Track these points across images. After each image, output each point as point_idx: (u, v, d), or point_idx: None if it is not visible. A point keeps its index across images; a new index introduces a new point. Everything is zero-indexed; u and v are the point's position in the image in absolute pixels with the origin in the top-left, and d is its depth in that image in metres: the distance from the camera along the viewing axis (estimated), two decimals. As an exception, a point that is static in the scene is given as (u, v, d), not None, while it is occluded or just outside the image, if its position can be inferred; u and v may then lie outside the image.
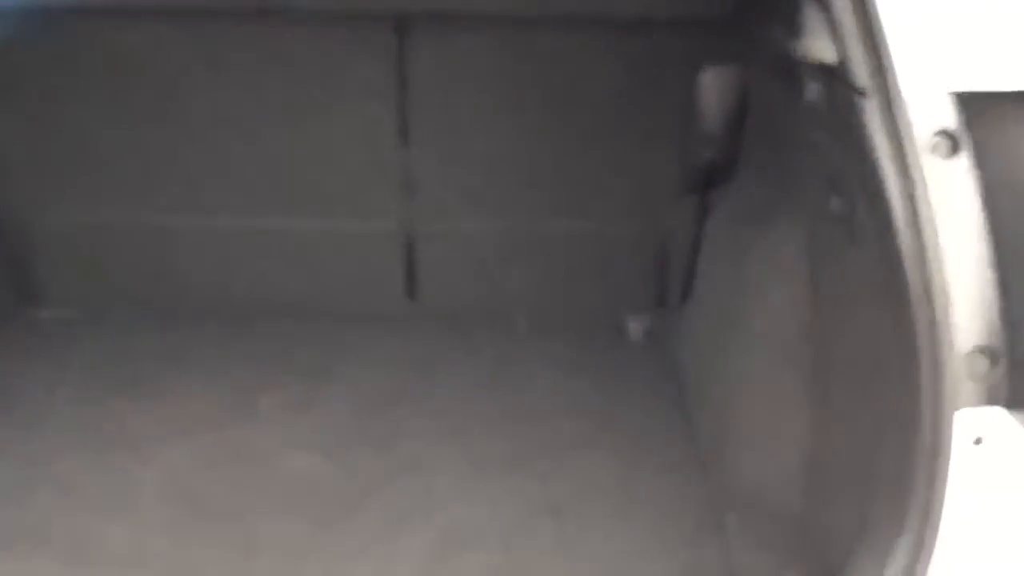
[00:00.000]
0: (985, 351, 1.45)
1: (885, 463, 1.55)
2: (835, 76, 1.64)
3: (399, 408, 2.34)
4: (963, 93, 1.53)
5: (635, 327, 2.70)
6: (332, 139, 2.54)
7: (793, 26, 1.86)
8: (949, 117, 1.49)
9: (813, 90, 1.79)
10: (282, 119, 2.52)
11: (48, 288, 2.69)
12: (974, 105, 1.51)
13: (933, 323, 1.42)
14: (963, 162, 1.47)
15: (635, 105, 2.56)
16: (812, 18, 1.78)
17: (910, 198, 1.45)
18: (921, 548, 1.45)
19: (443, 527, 1.97)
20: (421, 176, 2.62)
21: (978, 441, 1.49)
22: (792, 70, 1.90)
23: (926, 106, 1.49)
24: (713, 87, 2.41)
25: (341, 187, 2.62)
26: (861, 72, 1.53)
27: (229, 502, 2.02)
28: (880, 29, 1.48)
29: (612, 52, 2.46)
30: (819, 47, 1.72)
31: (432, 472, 2.12)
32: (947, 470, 1.45)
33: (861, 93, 1.53)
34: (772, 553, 1.85)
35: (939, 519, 1.45)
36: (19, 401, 2.32)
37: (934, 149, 1.50)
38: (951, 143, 1.50)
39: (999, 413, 1.49)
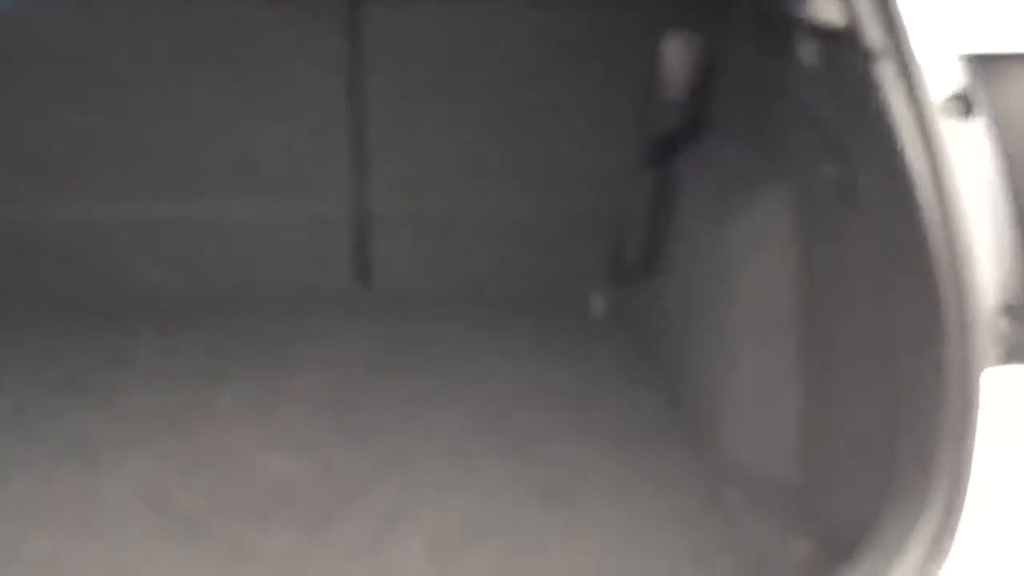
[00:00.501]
0: (1008, 310, 1.46)
1: (905, 429, 1.54)
2: (840, 39, 1.62)
3: (369, 401, 2.24)
4: (973, 55, 1.54)
5: (597, 303, 2.66)
6: (280, 116, 2.41)
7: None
8: (960, 79, 1.49)
9: (809, 53, 1.77)
10: (224, 96, 2.38)
11: None
12: (984, 67, 1.52)
13: (959, 284, 1.41)
14: (977, 124, 1.47)
15: (591, 78, 2.51)
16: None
17: (931, 161, 1.44)
18: (951, 509, 1.45)
19: (438, 524, 1.88)
20: (374, 155, 2.52)
21: (1001, 399, 1.51)
22: (780, 33, 1.87)
23: (937, 69, 1.49)
24: (676, 55, 2.38)
25: (289, 167, 2.49)
26: (873, 35, 1.50)
27: (207, 511, 1.88)
28: None
29: (569, 24, 2.40)
30: (821, 9, 1.69)
31: (417, 467, 2.03)
32: (975, 430, 1.45)
33: (872, 56, 1.51)
34: (777, 527, 1.83)
35: (968, 480, 1.45)
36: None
37: (947, 111, 1.50)
38: (964, 105, 1.50)
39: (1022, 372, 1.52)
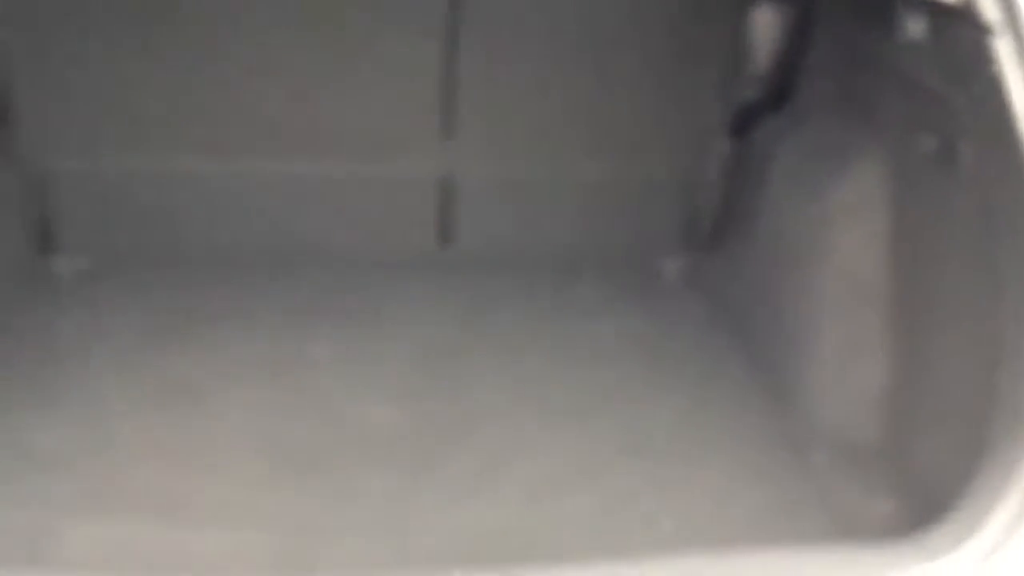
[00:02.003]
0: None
1: (1003, 394, 1.59)
2: (952, 14, 1.65)
3: (457, 356, 2.30)
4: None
5: (670, 266, 2.71)
6: (374, 79, 2.45)
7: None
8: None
9: (915, 27, 1.80)
10: (321, 58, 2.42)
11: (63, 237, 2.56)
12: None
13: None
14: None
15: (675, 45, 2.53)
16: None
17: None
18: None
19: (532, 473, 1.94)
20: (460, 119, 2.56)
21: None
22: (880, 5, 1.90)
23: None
24: (765, 26, 2.40)
25: (379, 128, 2.53)
26: (990, 11, 1.54)
27: (314, 454, 1.95)
28: None
29: None
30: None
31: (508, 419, 2.09)
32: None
33: (989, 31, 1.54)
34: (863, 487, 1.89)
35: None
36: (61, 358, 2.20)
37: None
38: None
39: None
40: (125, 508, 1.80)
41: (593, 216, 2.71)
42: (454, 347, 2.32)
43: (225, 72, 2.43)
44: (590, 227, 2.72)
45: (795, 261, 2.15)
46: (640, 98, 2.59)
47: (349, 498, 1.85)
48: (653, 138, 2.65)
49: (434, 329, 2.38)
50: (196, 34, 2.38)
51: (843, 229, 2.03)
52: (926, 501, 1.73)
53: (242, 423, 2.03)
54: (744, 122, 2.58)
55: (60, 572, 1.64)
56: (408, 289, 2.54)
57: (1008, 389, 1.56)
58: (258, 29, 2.37)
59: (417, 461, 1.96)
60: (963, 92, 1.64)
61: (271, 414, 2.06)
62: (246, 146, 2.52)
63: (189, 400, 2.08)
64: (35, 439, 1.96)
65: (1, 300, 2.30)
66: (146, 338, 2.28)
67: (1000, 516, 1.45)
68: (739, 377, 2.24)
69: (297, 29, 2.39)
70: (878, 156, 1.98)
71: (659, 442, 2.05)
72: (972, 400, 1.64)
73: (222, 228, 2.58)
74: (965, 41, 1.59)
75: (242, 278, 2.53)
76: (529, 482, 1.92)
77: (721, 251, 2.67)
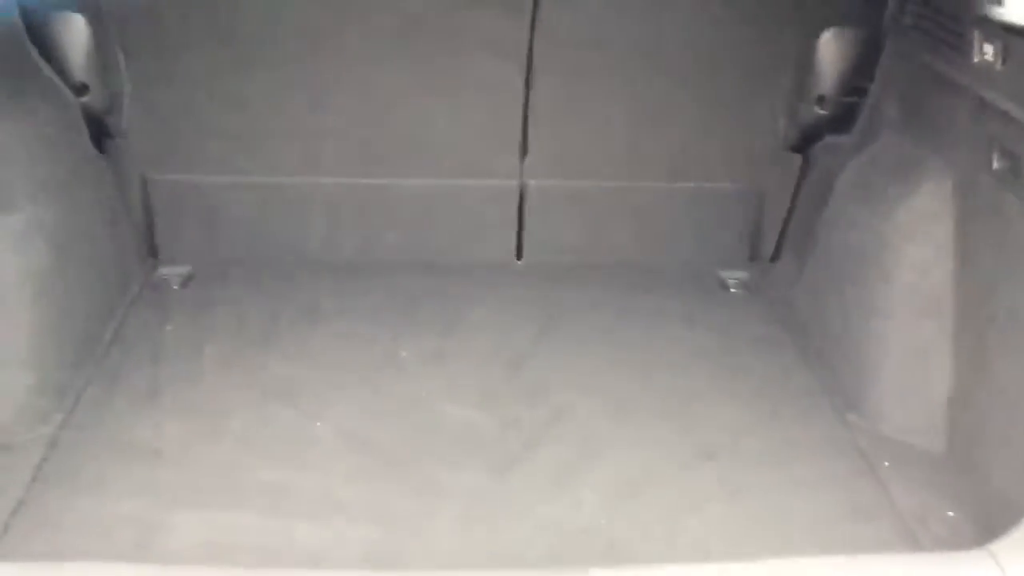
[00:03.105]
0: None
1: None
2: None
3: (535, 361, 2.32)
4: None
5: (735, 279, 2.70)
6: (457, 97, 2.50)
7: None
8: None
9: (989, 49, 1.78)
10: (409, 80, 2.47)
11: (167, 245, 2.64)
12: None
13: None
14: None
15: (744, 65, 2.54)
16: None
17: None
18: None
19: (611, 473, 1.96)
20: (536, 136, 2.59)
21: None
22: (952, 31, 1.89)
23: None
24: (834, 48, 2.40)
25: (461, 145, 2.58)
26: None
27: (404, 452, 1.99)
28: None
29: (733, 13, 2.43)
30: (1008, 11, 1.71)
31: (585, 423, 2.11)
32: None
33: None
34: (930, 496, 1.88)
35: None
36: (170, 358, 2.27)
37: None
38: None
39: None
40: (228, 501, 1.85)
41: (659, 229, 2.73)
42: (530, 353, 2.35)
43: (319, 93, 2.50)
44: (657, 240, 2.74)
45: (862, 274, 2.14)
46: (707, 115, 2.61)
47: (438, 495, 1.89)
48: (719, 153, 2.66)
49: (511, 336, 2.41)
50: (293, 58, 2.45)
51: (910, 243, 2.03)
52: (992, 511, 1.71)
53: (337, 422, 2.07)
54: (809, 140, 2.59)
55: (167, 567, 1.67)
56: (486, 296, 2.58)
57: None
58: (351, 53, 2.44)
59: (501, 461, 1.99)
60: None
61: (364, 414, 2.11)
62: (338, 161, 2.59)
63: (287, 400, 2.14)
64: (144, 435, 2.03)
65: (112, 304, 2.37)
66: (246, 341, 2.34)
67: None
68: (806, 386, 2.24)
69: (388, 53, 2.45)
70: (946, 174, 1.97)
71: (730, 448, 2.05)
72: None
73: (315, 238, 2.65)
74: None
75: (332, 284, 2.59)
76: (607, 484, 1.94)
77: (784, 263, 2.66)
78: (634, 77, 2.54)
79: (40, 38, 2.24)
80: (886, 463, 1.98)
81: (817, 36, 2.41)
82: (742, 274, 2.70)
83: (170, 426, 2.05)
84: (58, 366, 2.08)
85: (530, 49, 2.42)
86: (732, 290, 2.68)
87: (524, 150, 2.60)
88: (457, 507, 1.86)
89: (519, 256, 2.73)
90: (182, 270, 2.59)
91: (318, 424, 2.07)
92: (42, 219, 2.04)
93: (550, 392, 2.21)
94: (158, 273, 2.59)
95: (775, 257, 2.75)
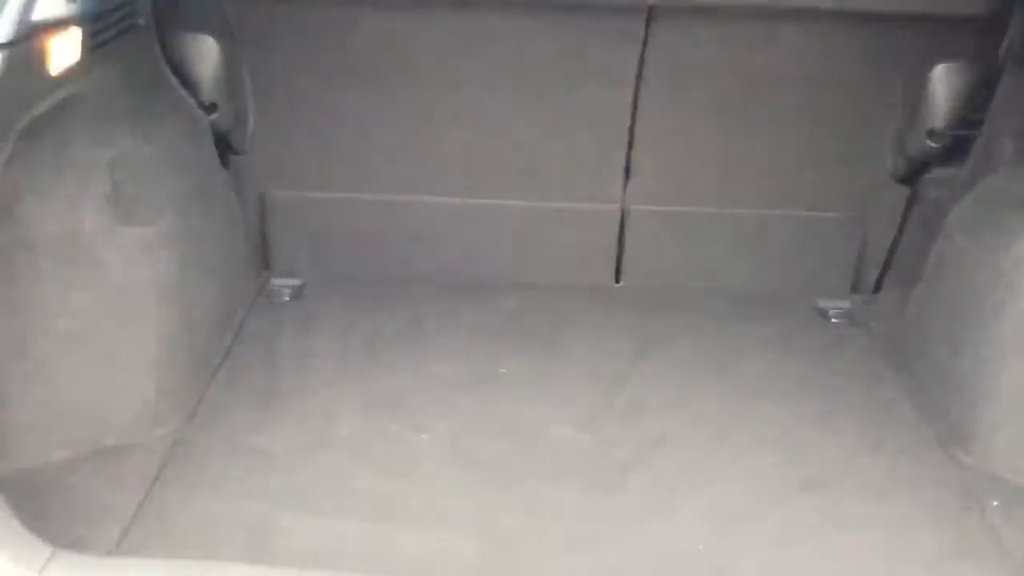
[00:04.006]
0: None
1: None
2: None
3: (633, 384, 2.30)
4: None
5: (836, 309, 2.63)
6: (564, 122, 2.50)
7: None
8: None
9: None
10: (518, 105, 2.48)
11: (280, 258, 2.69)
12: None
13: None
14: None
15: (853, 96, 2.49)
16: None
17: None
18: None
19: (712, 501, 1.93)
20: (640, 160, 2.58)
21: None
22: None
23: None
24: (948, 82, 2.34)
25: (566, 170, 2.58)
26: None
27: (507, 468, 1.99)
28: None
29: (844, 45, 2.38)
30: None
31: (685, 448, 2.08)
32: None
33: None
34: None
35: None
36: (283, 367, 2.31)
37: None
38: None
39: None
40: (337, 507, 1.87)
41: (760, 256, 2.69)
42: (628, 375, 2.33)
43: (431, 116, 2.53)
44: (757, 267, 2.70)
45: (973, 308, 2.07)
46: (813, 144, 2.56)
47: (540, 512, 1.88)
48: (824, 182, 2.61)
49: (609, 357, 2.39)
50: (407, 82, 2.48)
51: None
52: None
53: (441, 435, 2.08)
54: (917, 172, 2.52)
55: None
56: (585, 318, 2.57)
57: None
58: (464, 77, 2.46)
59: (602, 482, 1.98)
60: None
61: (466, 428, 2.11)
62: (445, 181, 2.61)
63: (392, 411, 2.16)
64: (257, 440, 2.07)
65: (229, 314, 2.43)
66: (354, 353, 2.37)
67: None
68: (909, 419, 2.17)
69: (498, 78, 2.46)
70: None
71: (834, 480, 2.00)
72: None
73: (420, 255, 2.67)
74: None
75: (435, 301, 2.61)
76: (707, 510, 1.91)
77: (887, 294, 2.59)
78: (740, 105, 2.50)
79: (174, 58, 2.31)
80: (995, 503, 1.90)
81: (930, 69, 2.35)
82: (843, 304, 2.63)
83: (282, 432, 2.08)
84: (179, 372, 2.13)
85: (639, 77, 2.41)
86: (833, 320, 2.61)
87: (627, 175, 2.59)
88: (560, 526, 1.85)
89: (617, 279, 2.71)
90: (293, 282, 2.64)
91: (422, 436, 2.08)
92: (170, 231, 2.10)
93: (648, 415, 2.19)
94: (271, 285, 2.64)
95: (878, 288, 2.67)
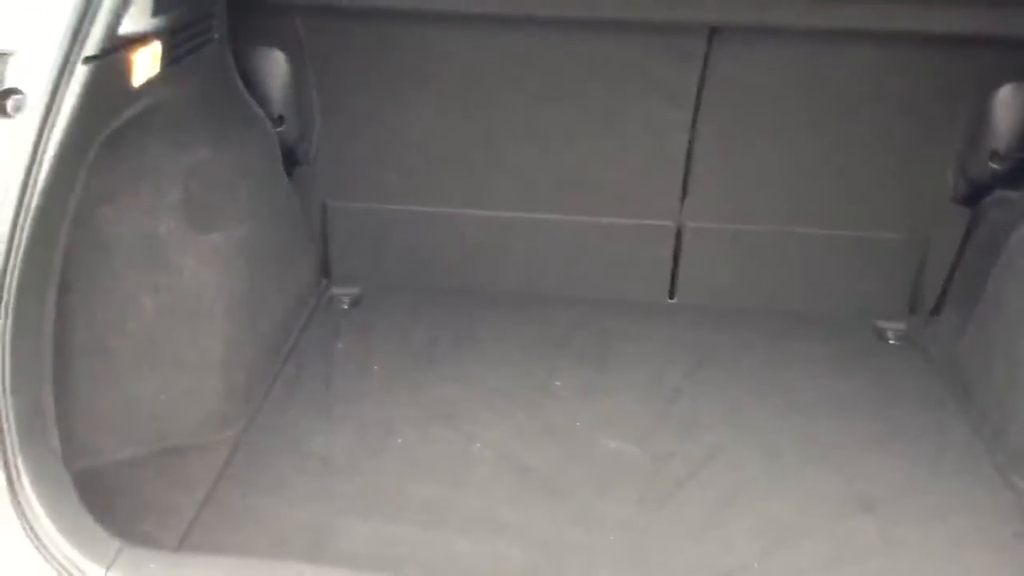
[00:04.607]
0: None
1: None
2: None
3: (685, 398, 2.30)
4: None
5: (894, 329, 2.60)
6: (623, 139, 2.51)
7: None
8: None
9: None
10: (578, 121, 2.50)
11: (340, 267, 2.74)
12: None
13: None
14: None
15: (914, 117, 2.46)
16: None
17: None
18: None
19: (765, 518, 1.92)
20: (696, 179, 2.58)
21: None
22: None
23: None
24: (1011, 104, 2.31)
25: (624, 186, 2.59)
26: None
27: (560, 478, 2.01)
28: None
29: (907, 66, 2.36)
30: None
31: (737, 464, 2.07)
32: None
33: None
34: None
35: None
36: (341, 374, 2.35)
37: None
38: None
39: None
40: (393, 512, 1.91)
41: (817, 275, 2.67)
42: (682, 390, 2.33)
43: (491, 130, 2.55)
44: (813, 286, 2.67)
45: (1034, 333, 2.04)
46: (873, 164, 2.54)
47: (590, 523, 1.89)
48: (883, 203, 2.58)
49: (662, 372, 2.40)
50: (467, 96, 2.51)
51: None
52: None
53: (495, 445, 2.10)
54: (979, 193, 2.48)
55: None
56: (639, 332, 2.57)
57: None
58: (524, 93, 2.48)
59: (652, 495, 1.98)
60: None
61: (520, 439, 2.13)
62: (503, 195, 2.63)
63: (447, 420, 2.18)
64: (317, 443, 2.11)
65: (292, 320, 2.48)
66: (410, 361, 2.40)
67: None
68: (967, 443, 2.14)
69: (559, 94, 2.48)
70: None
71: (887, 500, 1.98)
72: None
73: (476, 266, 2.69)
74: None
75: (493, 312, 2.63)
76: (760, 527, 1.90)
77: (947, 317, 2.56)
78: (799, 125, 2.49)
79: (246, 72, 2.38)
80: (1053, 529, 1.87)
81: (994, 91, 2.32)
82: (901, 326, 2.60)
83: (340, 437, 2.12)
84: (245, 375, 2.19)
85: (699, 95, 2.42)
86: (891, 341, 2.57)
87: (684, 192, 2.59)
88: (612, 538, 1.86)
89: (671, 295, 2.71)
90: (352, 291, 2.69)
91: (476, 445, 2.10)
92: (240, 239, 2.16)
93: (701, 430, 2.18)
94: (330, 293, 2.69)
95: (937, 310, 2.64)
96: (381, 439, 2.12)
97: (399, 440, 2.11)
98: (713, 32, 2.31)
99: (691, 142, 2.50)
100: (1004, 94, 2.32)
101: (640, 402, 2.29)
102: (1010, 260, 2.20)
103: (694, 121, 2.46)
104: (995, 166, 2.37)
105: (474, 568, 1.76)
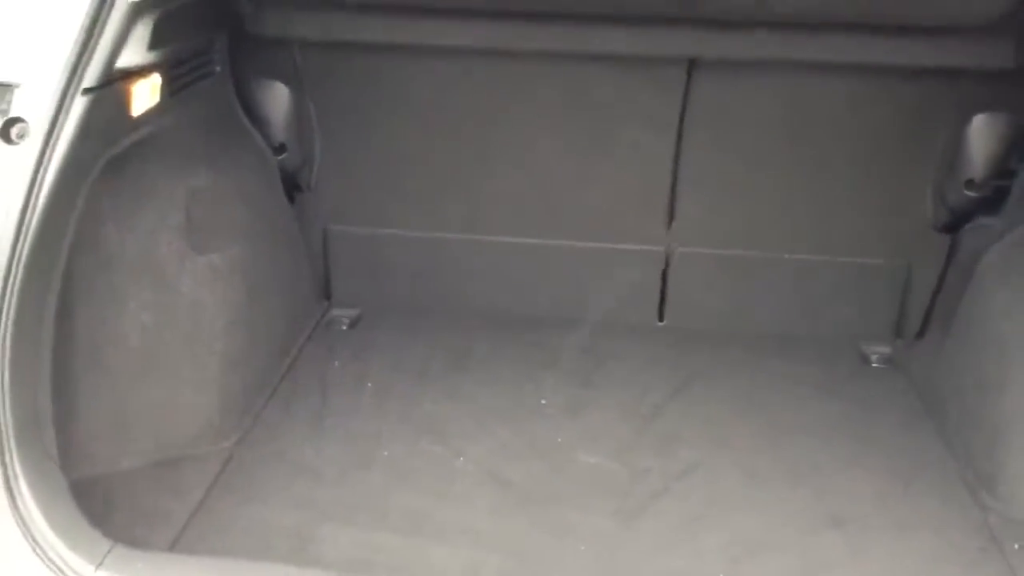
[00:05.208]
0: None
1: None
2: None
3: (667, 416, 2.36)
4: None
5: (879, 353, 2.64)
6: (610, 166, 2.59)
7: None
8: None
9: None
10: (566, 149, 2.59)
11: (340, 289, 2.83)
12: None
13: None
14: None
15: (892, 147, 2.52)
16: None
17: None
18: None
19: (736, 532, 1.97)
20: (682, 205, 2.65)
21: None
22: None
23: None
24: (985, 133, 2.37)
25: (613, 211, 2.67)
26: None
27: (538, 491, 2.07)
28: None
29: (882, 97, 2.43)
30: None
31: (713, 479, 2.13)
32: None
33: None
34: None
35: None
36: (335, 391, 2.44)
37: None
38: None
39: None
40: (374, 521, 1.98)
41: (803, 300, 2.72)
42: (664, 409, 2.39)
43: (486, 158, 2.64)
44: (799, 310, 2.72)
45: (999, 354, 2.08)
46: (855, 192, 2.60)
47: (565, 534, 1.95)
48: (867, 229, 2.64)
49: (647, 392, 2.46)
50: (463, 126, 2.60)
51: None
52: None
53: (479, 459, 2.17)
54: (959, 221, 2.53)
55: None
56: (626, 354, 2.63)
57: None
58: (517, 123, 2.57)
59: (629, 508, 2.04)
60: None
61: (503, 453, 2.20)
62: (497, 221, 2.72)
63: (435, 435, 2.26)
64: (307, 456, 2.19)
65: (290, 339, 2.58)
66: (403, 379, 2.49)
67: None
68: (940, 462, 2.18)
69: (549, 125, 2.57)
70: None
71: (859, 517, 2.02)
72: None
73: (471, 290, 2.78)
74: None
75: (484, 333, 2.70)
76: (729, 540, 1.96)
77: (927, 340, 2.60)
78: (781, 153, 2.56)
79: (248, 102, 2.49)
80: (1016, 546, 1.90)
81: (968, 121, 2.38)
82: (886, 349, 2.64)
83: (330, 450, 2.20)
84: (241, 391, 2.28)
85: (681, 124, 2.50)
86: (874, 364, 2.62)
87: (671, 217, 2.66)
88: (585, 548, 1.92)
89: (661, 318, 2.77)
90: (351, 312, 2.78)
91: (461, 459, 2.17)
92: (237, 259, 2.26)
93: (680, 447, 2.24)
94: (330, 314, 2.78)
95: (921, 335, 2.68)
96: (369, 452, 2.19)
97: (386, 453, 2.19)
98: (692, 64, 2.39)
99: (676, 169, 2.58)
100: (978, 124, 2.37)
101: (621, 419, 2.35)
102: (979, 283, 2.25)
103: (678, 149, 2.54)
104: (970, 194, 2.43)
105: (448, 574, 1.83)
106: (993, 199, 2.42)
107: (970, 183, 2.42)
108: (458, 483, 2.09)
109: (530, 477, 2.11)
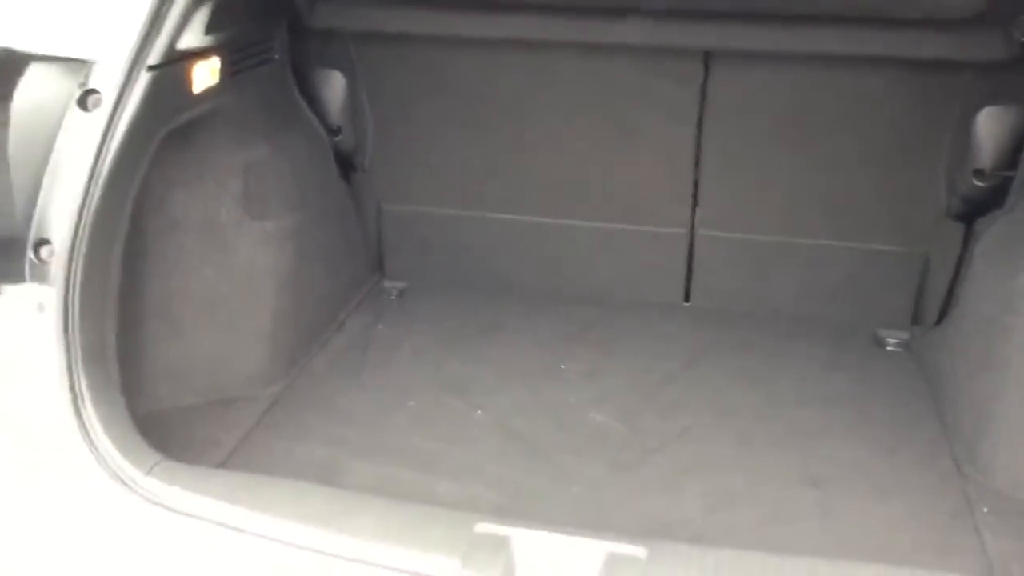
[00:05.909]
0: None
1: None
2: None
3: (676, 385, 2.52)
4: None
5: (894, 339, 2.72)
6: (636, 153, 2.76)
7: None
8: None
9: None
10: (595, 136, 2.77)
11: (391, 263, 3.08)
12: None
13: None
14: None
15: (904, 138, 2.60)
16: None
17: None
18: None
19: (717, 484, 2.13)
20: (705, 188, 2.79)
21: None
22: None
23: None
24: (993, 124, 2.45)
25: (639, 195, 2.83)
26: None
27: (544, 442, 2.27)
28: None
29: (896, 89, 2.52)
30: None
31: (705, 442, 2.29)
32: None
33: None
34: (1020, 545, 1.89)
35: None
36: (376, 349, 2.69)
37: None
38: None
39: None
40: (393, 457, 2.22)
41: (823, 285, 2.81)
42: (675, 378, 2.55)
43: (522, 143, 2.83)
44: (819, 294, 2.82)
45: (985, 335, 2.17)
46: (871, 180, 2.68)
47: (561, 478, 2.14)
48: (885, 217, 2.72)
49: (660, 364, 2.61)
50: (503, 113, 2.81)
51: None
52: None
53: (494, 413, 2.39)
54: (973, 210, 2.60)
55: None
56: (649, 330, 2.79)
57: None
58: (550, 110, 2.76)
59: (621, 461, 2.22)
60: None
61: (518, 410, 2.40)
62: (533, 202, 2.91)
63: (457, 391, 2.48)
64: (343, 402, 2.45)
65: (340, 303, 2.84)
66: (437, 342, 2.72)
67: None
68: (930, 436, 2.28)
69: (580, 113, 2.75)
70: None
71: (837, 479, 2.15)
72: None
73: (508, 265, 2.98)
74: None
75: (519, 305, 2.91)
76: (709, 491, 2.12)
77: (941, 326, 2.67)
78: (795, 142, 2.67)
79: (307, 88, 2.76)
80: (985, 509, 2.00)
81: (975, 112, 2.46)
82: (903, 335, 2.72)
83: (363, 398, 2.45)
84: (290, 343, 2.55)
85: (700, 113, 2.64)
86: (889, 348, 2.70)
87: (695, 202, 2.80)
88: (575, 489, 2.11)
89: (687, 298, 2.92)
90: (400, 285, 3.02)
91: (478, 412, 2.39)
92: (288, 227, 2.52)
93: (683, 412, 2.40)
94: (381, 285, 3.04)
95: (939, 322, 2.75)
96: (397, 401, 2.43)
97: (411, 403, 2.42)
98: (708, 56, 2.55)
99: (698, 156, 2.72)
100: (985, 115, 2.45)
101: (633, 385, 2.52)
102: (972, 268, 2.33)
103: (699, 138, 2.68)
104: (979, 184, 2.50)
105: (451, 503, 2.04)
106: (1002, 189, 2.49)
107: (979, 173, 2.49)
108: (471, 432, 2.31)
109: (538, 430, 2.31)
